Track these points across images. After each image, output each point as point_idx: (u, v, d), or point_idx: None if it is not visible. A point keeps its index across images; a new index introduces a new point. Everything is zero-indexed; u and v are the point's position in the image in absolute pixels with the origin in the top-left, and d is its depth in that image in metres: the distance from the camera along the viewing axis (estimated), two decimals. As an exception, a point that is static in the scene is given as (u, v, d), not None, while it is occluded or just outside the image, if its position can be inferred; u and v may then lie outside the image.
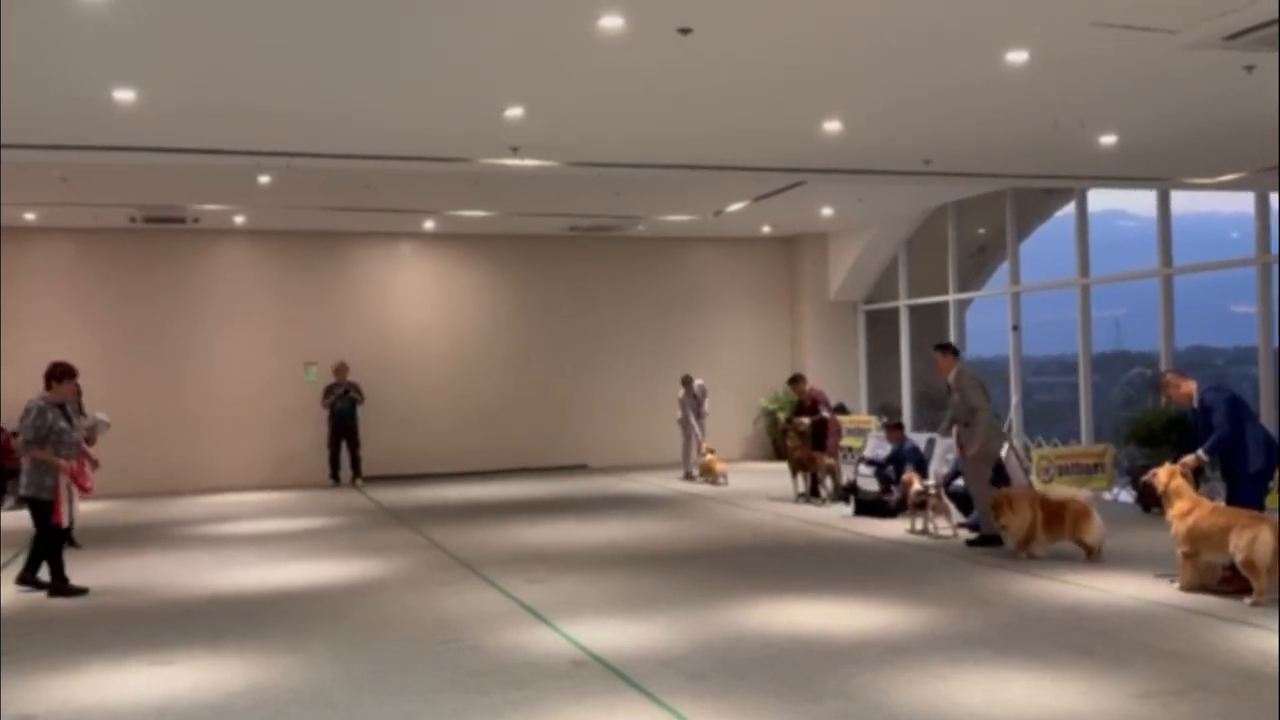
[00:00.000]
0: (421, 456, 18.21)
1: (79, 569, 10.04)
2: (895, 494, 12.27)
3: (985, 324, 18.14)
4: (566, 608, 8.00)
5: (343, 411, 17.21)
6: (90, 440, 11.29)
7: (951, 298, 17.66)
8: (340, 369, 17.47)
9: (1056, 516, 9.41)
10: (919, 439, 15.45)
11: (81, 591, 8.99)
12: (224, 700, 5.98)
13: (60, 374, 9.09)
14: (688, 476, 16.82)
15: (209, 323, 17.59)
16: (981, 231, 18.19)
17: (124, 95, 8.31)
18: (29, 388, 15.24)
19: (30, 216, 15.72)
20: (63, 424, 8.96)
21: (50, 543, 9.04)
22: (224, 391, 17.57)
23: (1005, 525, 9.53)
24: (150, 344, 17.27)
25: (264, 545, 11.56)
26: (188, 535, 12.43)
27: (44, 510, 8.88)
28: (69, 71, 7.71)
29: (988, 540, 10.20)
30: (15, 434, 15.25)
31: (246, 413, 17.60)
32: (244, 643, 7.23)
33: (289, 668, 6.60)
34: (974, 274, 18.18)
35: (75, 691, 6.23)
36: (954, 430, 10.55)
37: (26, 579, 9.10)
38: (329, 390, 17.35)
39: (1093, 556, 9.35)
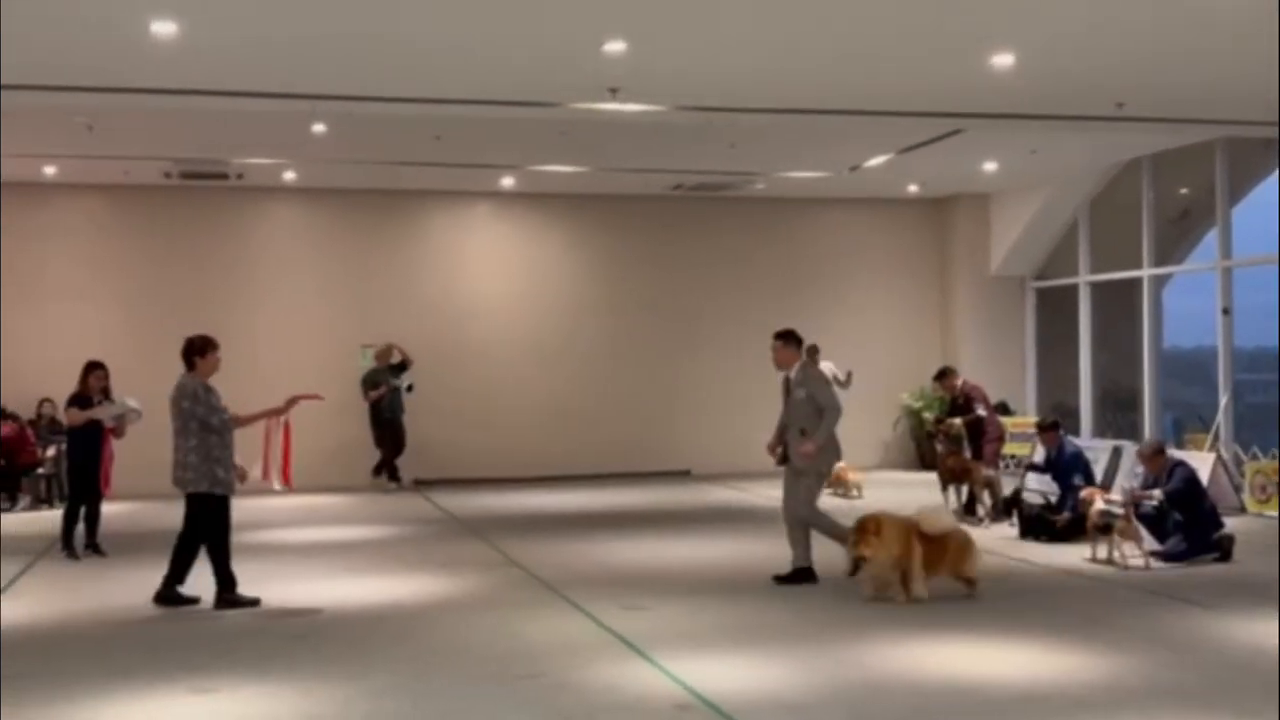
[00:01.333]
0: (495, 457, 18.46)
1: (104, 580, 10.45)
2: (1067, 513, 12.09)
3: (1187, 306, 17.73)
4: (668, 639, 8.05)
5: (389, 409, 17.38)
6: (119, 432, 11.73)
7: (1145, 273, 17.29)
8: (383, 352, 17.69)
9: (938, 551, 9.46)
10: (1100, 447, 15.22)
11: (194, 600, 9.28)
12: (273, 735, 6.19)
13: (204, 347, 9.19)
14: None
15: (252, 295, 18.07)
16: (1184, 192, 17.78)
17: (163, 28, 8.57)
18: (39, 366, 16.10)
19: (50, 170, 16.33)
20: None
21: (214, 543, 9.27)
22: (268, 376, 17.89)
23: (864, 557, 9.29)
24: (185, 319, 17.53)
25: (315, 556, 11.88)
26: (226, 543, 12.80)
27: (215, 507, 9.17)
28: None
29: (801, 576, 9.99)
30: (33, 422, 16.05)
31: (294, 402, 18.02)
32: (296, 669, 7.44)
33: (348, 700, 6.78)
34: (1174, 245, 17.77)
35: (100, 723, 6.46)
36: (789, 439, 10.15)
37: (228, 597, 9.22)
38: (372, 380, 17.52)
39: (974, 592, 9.48)
